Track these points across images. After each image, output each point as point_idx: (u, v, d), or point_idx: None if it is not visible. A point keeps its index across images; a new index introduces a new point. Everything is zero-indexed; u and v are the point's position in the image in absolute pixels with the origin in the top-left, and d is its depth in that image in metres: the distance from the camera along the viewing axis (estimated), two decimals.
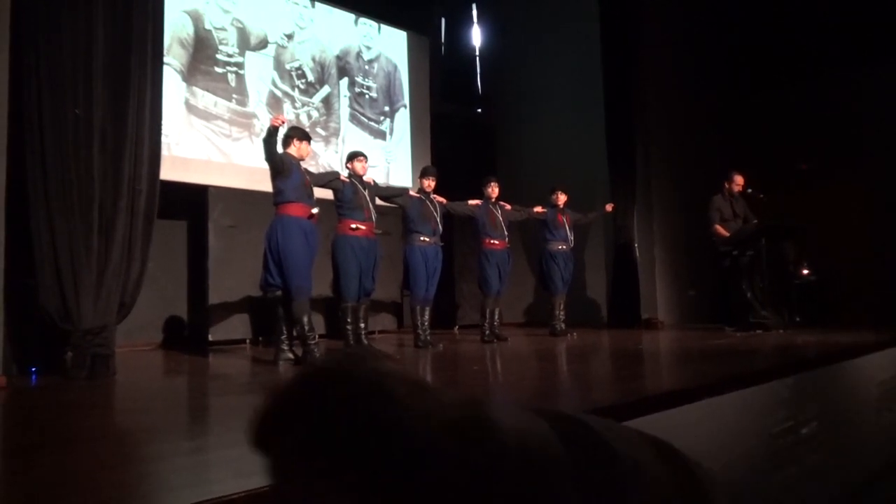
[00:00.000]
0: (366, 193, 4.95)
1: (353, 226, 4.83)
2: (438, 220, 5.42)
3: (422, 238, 5.30)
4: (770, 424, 2.92)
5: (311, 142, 4.58)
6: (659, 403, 2.33)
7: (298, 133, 4.47)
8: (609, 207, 6.73)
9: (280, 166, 4.19)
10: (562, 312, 6.34)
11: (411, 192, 5.49)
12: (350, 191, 4.88)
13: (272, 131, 4.02)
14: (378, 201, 5.17)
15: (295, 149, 4.36)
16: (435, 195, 5.52)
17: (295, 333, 4.21)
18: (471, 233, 6.08)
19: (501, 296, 6.01)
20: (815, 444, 3.22)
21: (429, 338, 5.21)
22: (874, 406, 4.04)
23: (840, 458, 3.48)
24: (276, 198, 4.24)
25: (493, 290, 5.82)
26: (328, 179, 4.88)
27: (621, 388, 2.99)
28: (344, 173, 5.03)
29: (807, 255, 7.23)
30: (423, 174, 5.55)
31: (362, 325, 4.92)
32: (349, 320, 4.74)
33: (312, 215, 4.25)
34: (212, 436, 2.12)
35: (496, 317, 5.90)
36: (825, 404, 3.41)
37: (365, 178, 5.05)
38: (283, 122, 4.10)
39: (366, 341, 4.95)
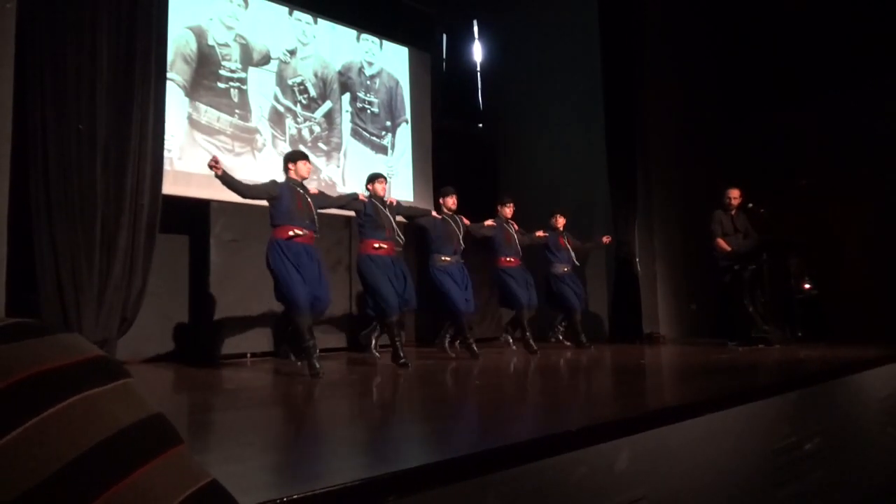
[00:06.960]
0: (387, 213, 5.02)
1: (376, 245, 4.90)
2: (460, 239, 5.48)
3: (443, 258, 5.36)
4: (773, 440, 2.91)
5: (309, 158, 4.68)
6: (661, 419, 2.32)
7: (292, 156, 4.60)
8: (606, 240, 6.72)
9: (258, 196, 4.40)
10: (560, 326, 6.60)
11: (434, 213, 5.55)
12: (371, 211, 4.96)
13: (221, 180, 4.19)
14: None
15: (293, 171, 4.50)
16: (460, 215, 5.59)
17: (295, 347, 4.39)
18: (473, 250, 6.06)
19: (532, 310, 6.08)
20: (818, 459, 3.20)
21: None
22: (878, 421, 4.02)
23: (843, 474, 3.46)
24: (270, 221, 4.45)
25: (522, 302, 5.92)
26: (346, 201, 4.99)
27: (624, 403, 2.99)
28: (364, 194, 5.09)
29: (809, 270, 7.21)
30: (444, 194, 5.61)
31: (397, 340, 5.03)
32: (395, 334, 4.75)
33: (293, 236, 4.31)
34: (213, 451, 2.11)
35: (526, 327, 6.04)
36: (828, 420, 3.40)
37: (386, 198, 5.13)
38: (216, 165, 4.16)
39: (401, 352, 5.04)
